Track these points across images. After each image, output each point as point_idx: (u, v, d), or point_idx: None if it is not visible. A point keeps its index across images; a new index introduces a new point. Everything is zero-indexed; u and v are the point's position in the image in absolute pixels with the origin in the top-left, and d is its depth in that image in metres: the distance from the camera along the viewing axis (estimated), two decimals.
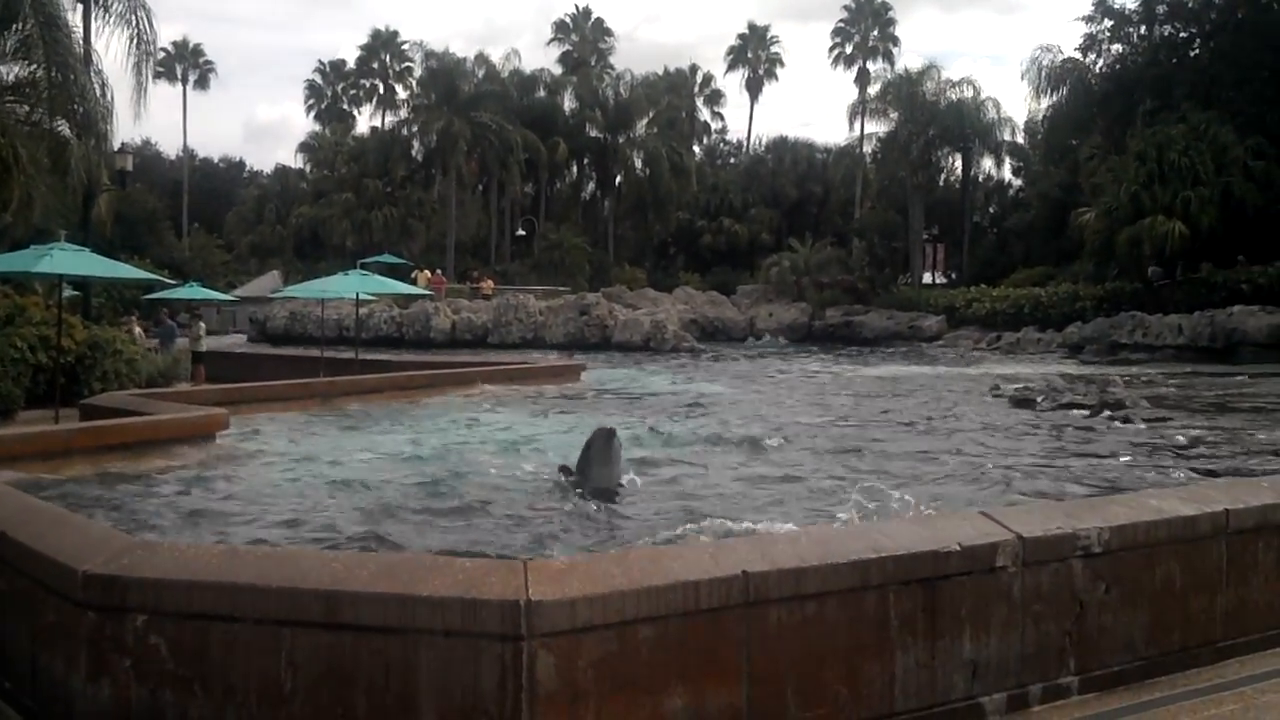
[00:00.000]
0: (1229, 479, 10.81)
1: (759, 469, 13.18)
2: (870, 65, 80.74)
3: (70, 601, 4.31)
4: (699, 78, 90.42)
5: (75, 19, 24.45)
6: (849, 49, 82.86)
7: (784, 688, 4.20)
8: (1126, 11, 54.66)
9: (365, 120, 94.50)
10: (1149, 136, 45.86)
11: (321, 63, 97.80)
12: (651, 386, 27.23)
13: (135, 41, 25.06)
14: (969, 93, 64.89)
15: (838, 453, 14.76)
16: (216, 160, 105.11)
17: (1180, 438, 16.61)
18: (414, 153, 79.08)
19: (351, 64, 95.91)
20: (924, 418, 19.70)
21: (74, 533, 4.92)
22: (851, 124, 77.61)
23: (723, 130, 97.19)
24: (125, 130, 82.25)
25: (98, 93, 23.00)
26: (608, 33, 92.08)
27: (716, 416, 19.48)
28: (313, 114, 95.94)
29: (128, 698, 4.13)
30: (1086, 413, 19.87)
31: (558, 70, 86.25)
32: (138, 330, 28.95)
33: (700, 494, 11.39)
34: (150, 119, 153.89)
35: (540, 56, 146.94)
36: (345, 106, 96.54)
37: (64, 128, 22.64)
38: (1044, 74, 57.32)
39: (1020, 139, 67.58)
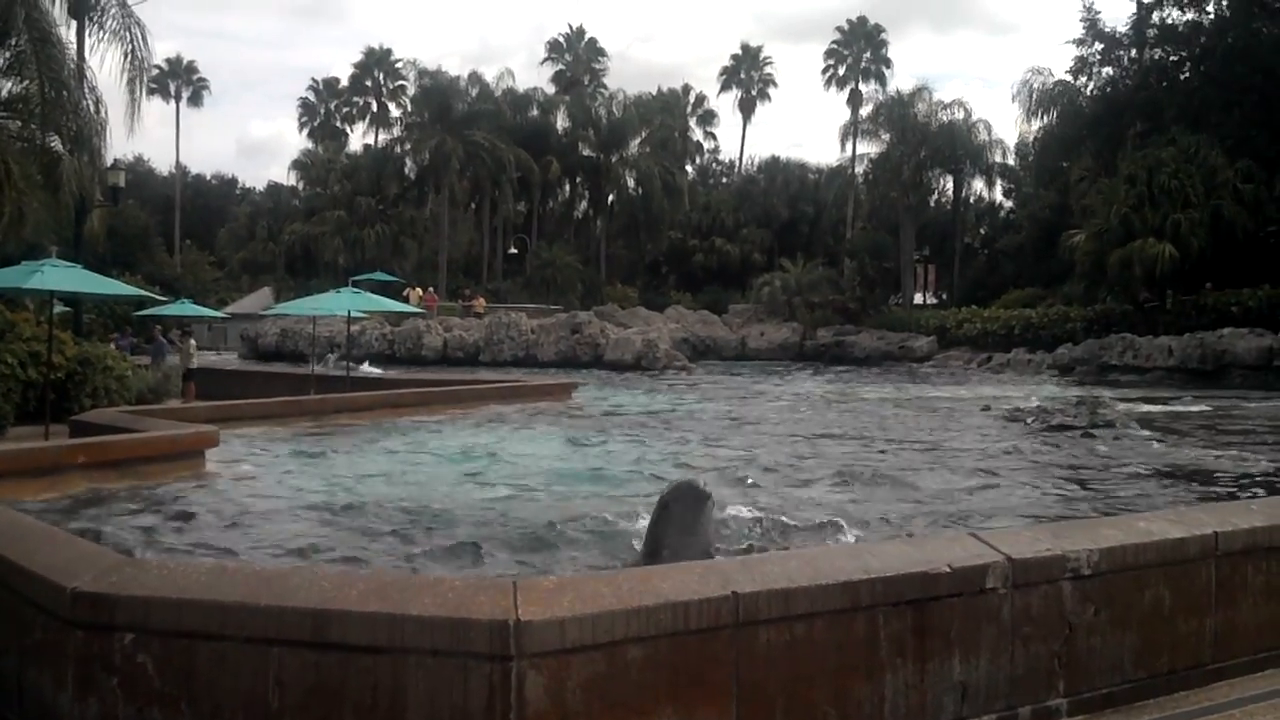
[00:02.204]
0: (1218, 502, 10.84)
1: None
2: (862, 86, 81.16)
3: (58, 619, 4.29)
4: (692, 98, 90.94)
5: (69, 35, 24.51)
6: (841, 70, 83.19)
7: (773, 708, 4.20)
8: (1117, 35, 54.95)
9: (358, 138, 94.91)
10: (1139, 159, 46.04)
11: (315, 80, 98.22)
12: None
13: (129, 58, 25.08)
14: (960, 114, 65.36)
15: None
16: (209, 177, 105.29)
17: (1171, 458, 16.65)
18: (407, 171, 79.31)
19: (345, 82, 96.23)
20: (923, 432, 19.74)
21: (63, 550, 4.90)
22: (843, 145, 77.93)
23: (715, 150, 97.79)
24: (118, 146, 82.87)
25: (91, 109, 23.01)
26: (601, 53, 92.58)
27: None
28: (306, 131, 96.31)
29: (115, 716, 4.11)
30: (1077, 433, 19.90)
31: (551, 89, 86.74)
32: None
33: None
34: (143, 135, 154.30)
35: (534, 76, 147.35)
36: (338, 124, 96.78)
37: (57, 143, 22.65)
38: (1035, 96, 57.61)
39: (1011, 161, 67.97)
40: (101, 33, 25.17)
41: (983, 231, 74.39)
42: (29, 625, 4.57)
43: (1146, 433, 20.07)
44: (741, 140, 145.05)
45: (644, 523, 8.78)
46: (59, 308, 22.41)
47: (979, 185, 69.61)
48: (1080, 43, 55.86)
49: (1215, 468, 15.79)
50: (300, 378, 28.04)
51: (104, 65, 25.86)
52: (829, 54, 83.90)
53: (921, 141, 63.80)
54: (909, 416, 24.81)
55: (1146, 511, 7.64)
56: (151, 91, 75.79)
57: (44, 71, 21.09)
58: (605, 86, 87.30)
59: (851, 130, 74.53)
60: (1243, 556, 5.63)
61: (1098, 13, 55.25)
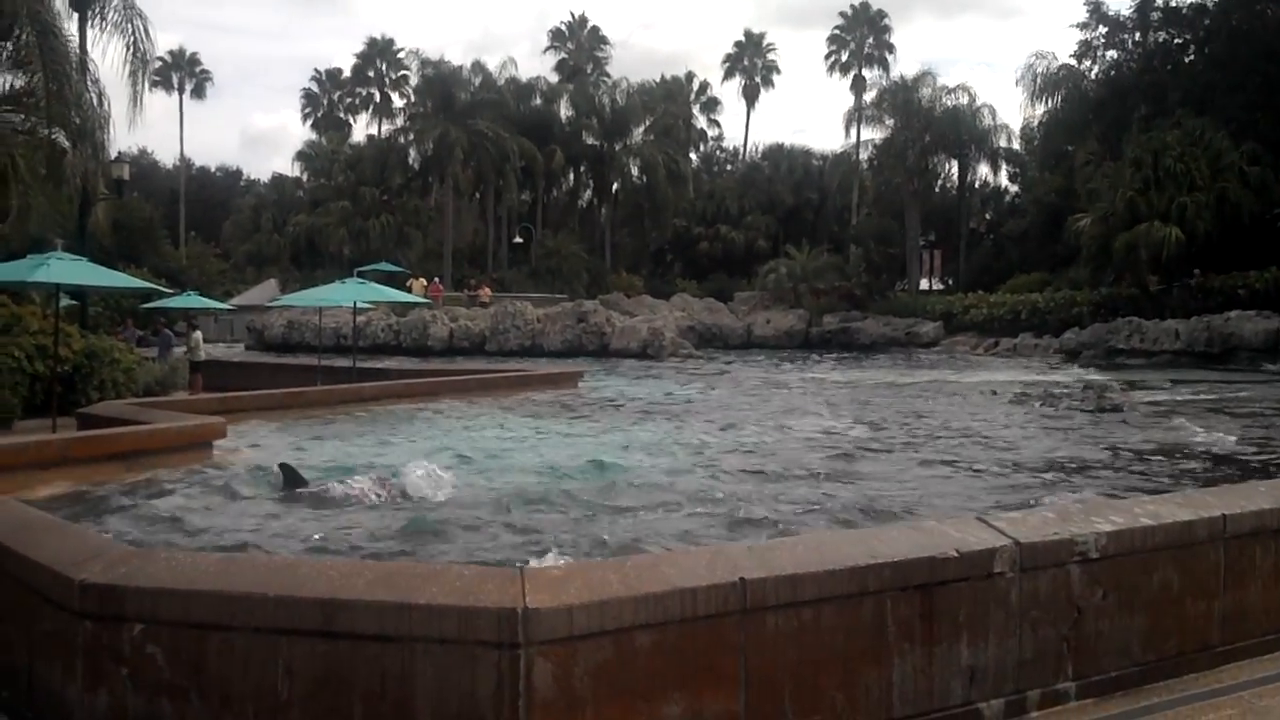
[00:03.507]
0: (1226, 485, 10.82)
1: None
2: (866, 72, 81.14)
3: (67, 610, 4.30)
4: (695, 85, 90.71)
5: (71, 27, 24.49)
6: (845, 56, 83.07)
7: (781, 694, 4.20)
8: (1121, 18, 54.81)
9: (362, 128, 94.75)
10: (1144, 142, 45.93)
11: (318, 71, 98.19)
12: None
13: (131, 50, 25.10)
14: (965, 99, 65.16)
15: None
16: (213, 169, 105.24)
17: (1180, 441, 16.63)
18: (411, 161, 79.17)
19: (348, 72, 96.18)
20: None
21: (71, 542, 4.91)
22: (848, 131, 77.81)
23: (719, 137, 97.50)
24: (122, 139, 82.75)
25: (94, 101, 23.01)
26: (604, 41, 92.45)
27: None
28: (309, 122, 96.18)
29: (124, 707, 4.12)
30: (1085, 416, 19.89)
31: (554, 78, 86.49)
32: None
33: None
34: (147, 128, 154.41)
35: (537, 64, 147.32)
36: (342, 115, 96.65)
37: (61, 137, 22.63)
38: (1039, 80, 57.49)
39: (1016, 145, 67.71)
40: (104, 25, 25.18)
41: (988, 216, 74.24)
42: (38, 617, 4.58)
43: (1154, 415, 20.06)
44: (745, 127, 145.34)
45: None
46: (65, 301, 22.42)
47: (984, 170, 69.60)
48: (1084, 26, 55.82)
49: (1221, 450, 15.78)
50: (307, 368, 28.04)
51: (106, 58, 25.88)
52: (832, 40, 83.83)
53: (926, 127, 63.65)
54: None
55: (1154, 494, 7.63)
56: (154, 84, 75.91)
57: (47, 65, 21.06)
58: (608, 75, 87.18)
59: (855, 116, 74.35)
60: (1251, 539, 5.61)
61: None
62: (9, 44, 21.77)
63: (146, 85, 26.04)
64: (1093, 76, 55.75)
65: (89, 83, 23.18)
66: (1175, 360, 38.36)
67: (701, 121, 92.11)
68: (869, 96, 73.44)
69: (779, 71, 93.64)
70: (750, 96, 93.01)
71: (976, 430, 18.49)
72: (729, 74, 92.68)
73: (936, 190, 68.88)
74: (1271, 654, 5.59)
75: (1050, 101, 57.64)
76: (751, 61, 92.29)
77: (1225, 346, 38.00)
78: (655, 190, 76.71)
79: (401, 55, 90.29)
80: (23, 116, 22.76)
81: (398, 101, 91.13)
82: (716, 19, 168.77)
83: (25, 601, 4.70)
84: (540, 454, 15.08)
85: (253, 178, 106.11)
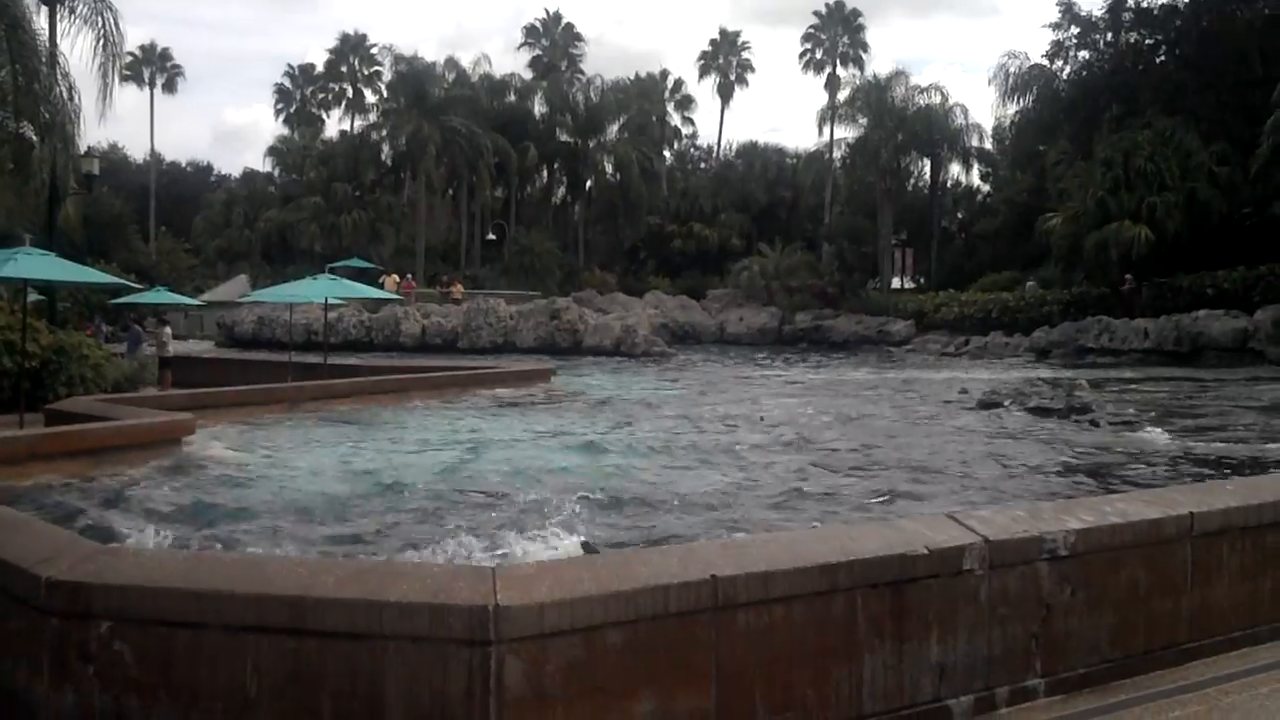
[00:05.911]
0: (1193, 482, 10.91)
1: None
2: (840, 71, 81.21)
3: (33, 608, 4.26)
4: (669, 83, 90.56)
5: (41, 21, 24.28)
6: (819, 55, 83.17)
7: (752, 691, 4.21)
8: (1093, 19, 55.04)
9: (334, 124, 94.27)
10: (1115, 142, 46.16)
11: (290, 66, 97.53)
12: None
13: (102, 43, 24.90)
14: (937, 99, 65.33)
15: None
16: (184, 164, 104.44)
17: (1146, 440, 16.75)
18: (383, 157, 78.93)
19: (320, 68, 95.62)
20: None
21: (37, 538, 4.86)
22: (821, 129, 77.76)
23: (693, 135, 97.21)
24: (92, 133, 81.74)
25: (64, 96, 22.81)
26: (578, 38, 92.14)
27: None
28: (281, 118, 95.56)
29: (91, 705, 4.08)
30: (1054, 416, 20.00)
31: (528, 75, 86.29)
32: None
33: None
34: (117, 122, 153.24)
35: (511, 61, 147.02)
36: (314, 110, 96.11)
37: (29, 131, 22.43)
38: (1011, 80, 57.70)
39: (988, 145, 67.83)
40: (73, 18, 24.98)
41: (960, 215, 74.44)
42: (3, 615, 4.53)
43: (1119, 413, 20.19)
44: (719, 125, 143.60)
45: None
46: (33, 296, 22.23)
47: (956, 169, 69.72)
48: (1057, 27, 55.98)
49: (1188, 449, 15.91)
50: (278, 365, 27.89)
51: (76, 51, 25.82)
52: (806, 38, 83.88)
53: (899, 126, 63.79)
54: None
55: (1123, 492, 7.68)
56: (125, 78, 75.39)
57: (16, 59, 20.88)
58: (583, 72, 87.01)
59: (829, 114, 74.35)
60: (1218, 537, 5.66)
61: None
62: None
63: (117, 79, 25.88)
64: (1064, 76, 55.97)
65: (58, 76, 22.98)
66: (1144, 359, 38.61)
67: (675, 119, 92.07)
68: (842, 95, 73.38)
69: (753, 70, 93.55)
70: (724, 94, 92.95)
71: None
72: (704, 72, 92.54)
73: (909, 189, 69.01)
74: (1238, 650, 5.64)
75: (1022, 101, 57.87)
76: (726, 59, 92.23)
77: (1194, 346, 38.25)
78: (629, 188, 76.69)
79: (374, 51, 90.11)
80: None
81: (370, 97, 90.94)
82: (691, 16, 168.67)
83: None
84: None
85: (224, 173, 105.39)
